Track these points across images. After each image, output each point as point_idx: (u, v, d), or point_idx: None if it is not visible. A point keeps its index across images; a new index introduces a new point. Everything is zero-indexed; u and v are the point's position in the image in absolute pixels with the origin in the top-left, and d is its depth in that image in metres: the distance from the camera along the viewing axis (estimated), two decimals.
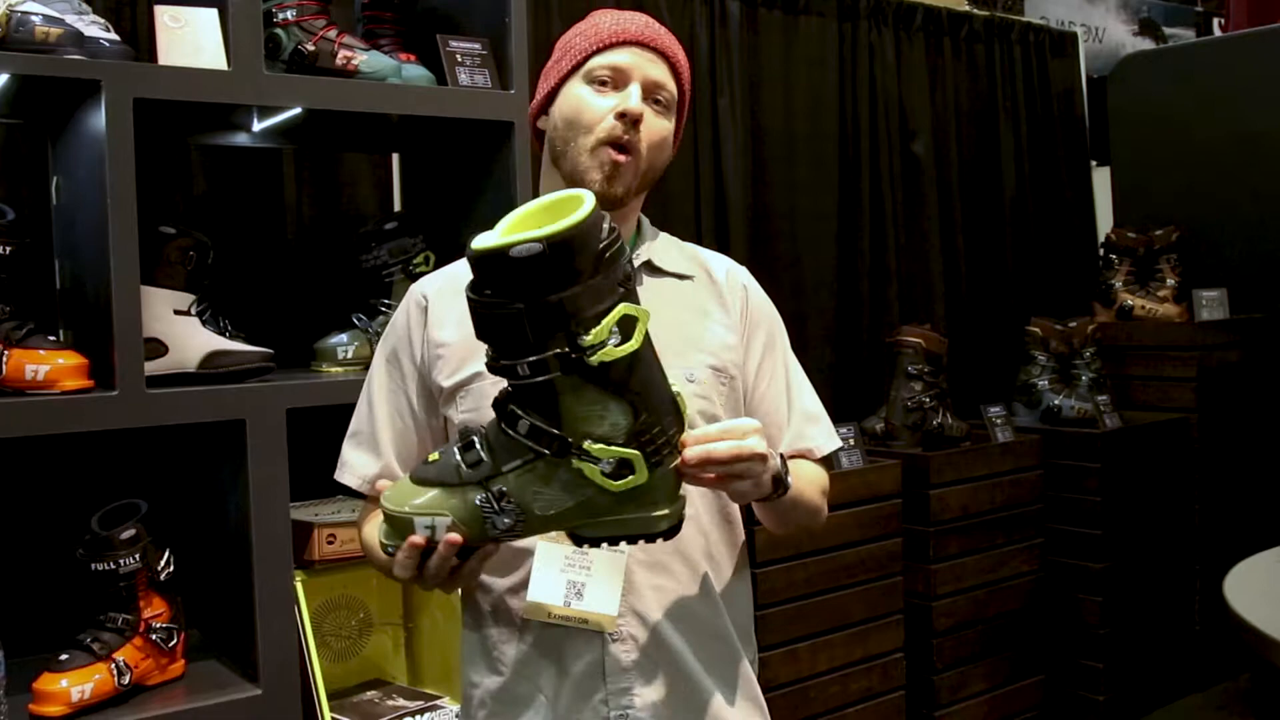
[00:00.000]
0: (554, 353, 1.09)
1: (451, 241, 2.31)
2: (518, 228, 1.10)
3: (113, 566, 1.89)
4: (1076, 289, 4.45)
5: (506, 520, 1.18)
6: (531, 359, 1.10)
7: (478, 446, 1.19)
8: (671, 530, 1.20)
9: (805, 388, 1.57)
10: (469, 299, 1.12)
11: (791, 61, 3.67)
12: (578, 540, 1.21)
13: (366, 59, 2.16)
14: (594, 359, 1.10)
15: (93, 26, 1.91)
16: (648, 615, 1.39)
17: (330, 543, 2.14)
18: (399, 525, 1.21)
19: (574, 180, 1.42)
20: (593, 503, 1.17)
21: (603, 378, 1.12)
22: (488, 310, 1.10)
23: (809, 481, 1.47)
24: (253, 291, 2.47)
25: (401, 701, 2.18)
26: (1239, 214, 4.35)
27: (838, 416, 1.62)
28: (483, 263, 1.09)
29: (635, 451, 1.14)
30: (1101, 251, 4.47)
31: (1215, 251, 4.36)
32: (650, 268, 1.49)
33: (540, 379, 1.11)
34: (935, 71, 4.06)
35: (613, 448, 1.13)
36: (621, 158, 1.40)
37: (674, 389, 1.20)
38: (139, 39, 2.26)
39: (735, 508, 1.49)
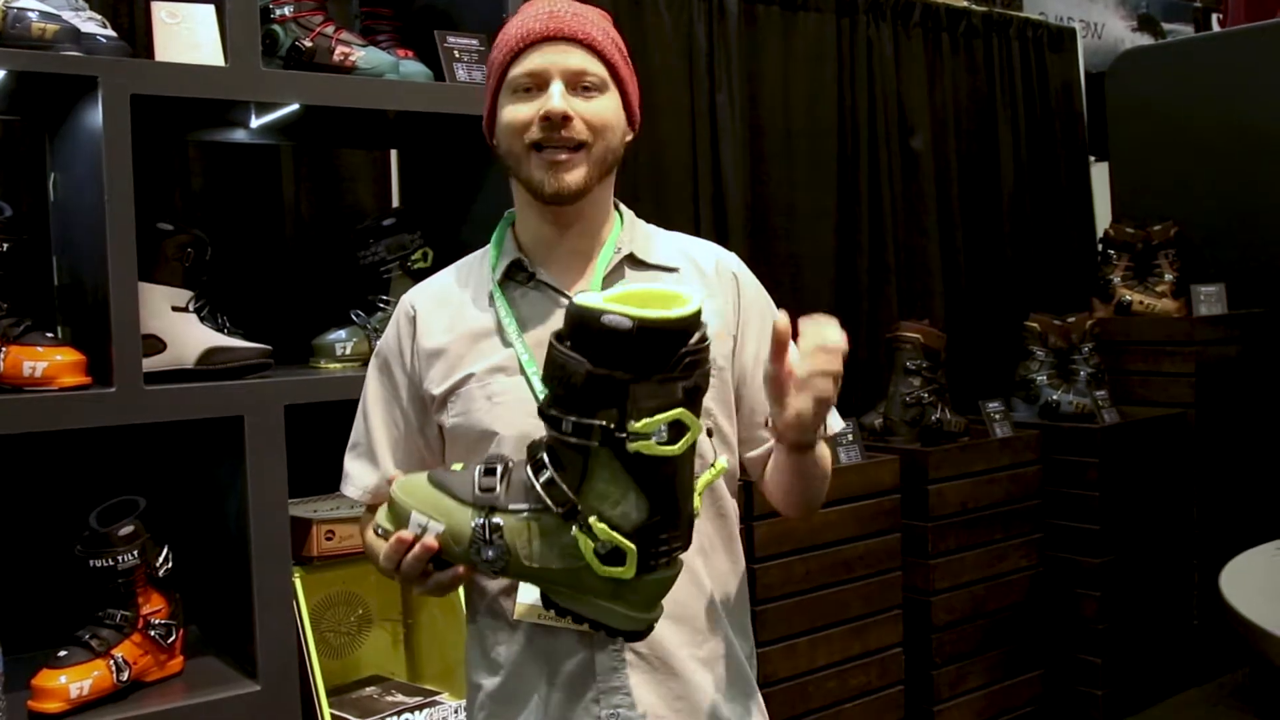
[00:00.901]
0: (600, 423, 1.13)
1: (449, 237, 2.30)
2: (624, 301, 1.13)
3: (111, 563, 1.89)
4: (1075, 284, 4.45)
5: (490, 554, 1.21)
6: (577, 420, 1.14)
7: (497, 475, 1.22)
8: (635, 635, 1.23)
9: None
10: (550, 342, 1.15)
11: (790, 58, 3.67)
12: (546, 602, 1.24)
13: (364, 55, 2.16)
14: (633, 446, 1.12)
15: (89, 23, 1.91)
16: None
17: (329, 539, 2.15)
18: (397, 514, 1.25)
19: (530, 189, 1.41)
20: (576, 576, 1.19)
21: (635, 467, 1.14)
22: (561, 359, 1.13)
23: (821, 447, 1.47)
24: (251, 288, 2.47)
25: (400, 697, 2.18)
26: (1237, 209, 4.35)
27: (837, 411, 1.61)
28: (576, 318, 1.13)
29: (632, 547, 1.15)
30: (1100, 247, 4.47)
31: (1213, 246, 4.36)
32: (633, 260, 1.48)
33: (578, 441, 1.14)
34: (934, 67, 4.06)
35: (614, 534, 1.15)
36: (561, 156, 1.38)
37: (694, 510, 1.22)
38: (136, 35, 2.27)
39: (729, 502, 1.48)
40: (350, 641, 2.32)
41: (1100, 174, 4.77)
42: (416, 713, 2.12)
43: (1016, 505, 3.60)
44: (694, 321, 1.14)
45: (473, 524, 1.21)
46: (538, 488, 1.18)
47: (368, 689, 2.24)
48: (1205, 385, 4.02)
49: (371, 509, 1.51)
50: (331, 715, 2.04)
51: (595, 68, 1.40)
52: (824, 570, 3.09)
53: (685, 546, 1.22)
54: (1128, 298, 4.25)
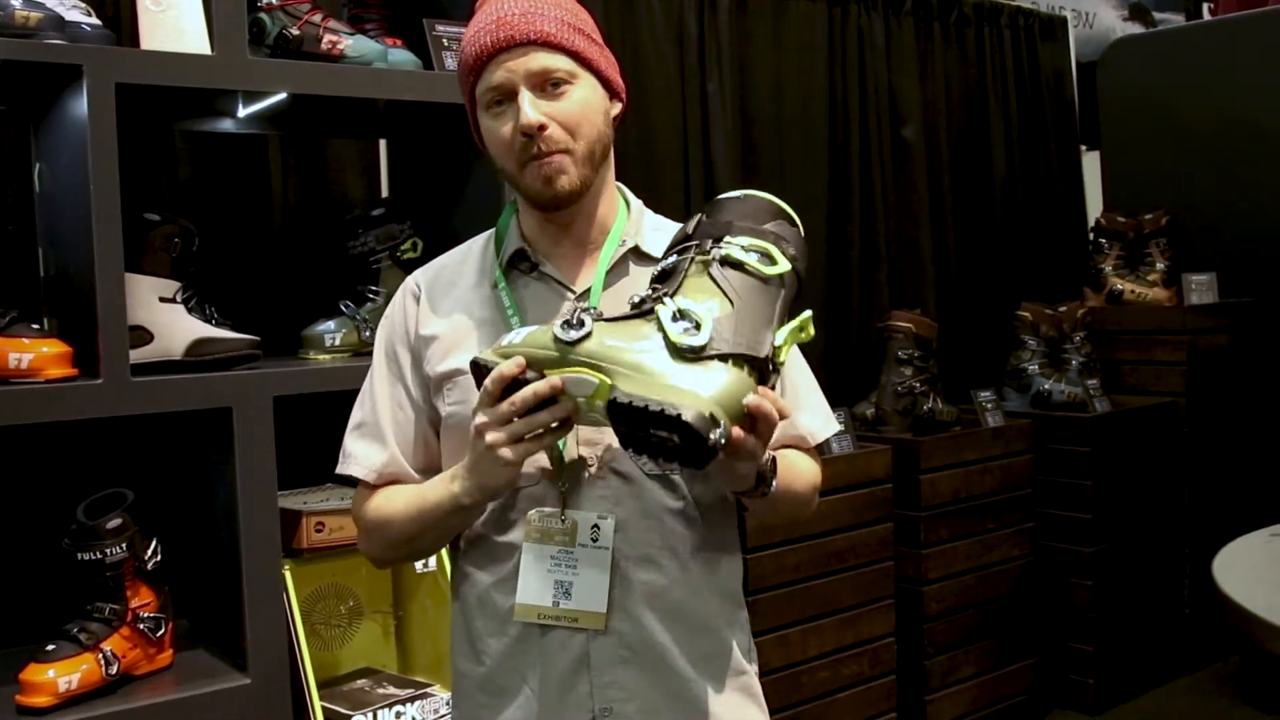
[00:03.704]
0: (698, 242, 1.27)
1: (439, 227, 2.29)
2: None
3: (99, 556, 1.88)
4: (1066, 273, 4.44)
5: (572, 330, 1.21)
6: (681, 247, 1.28)
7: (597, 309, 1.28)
8: (700, 428, 1.12)
9: (801, 370, 1.55)
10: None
11: (781, 47, 3.66)
12: (615, 405, 1.17)
13: (352, 43, 2.14)
14: (722, 252, 1.25)
15: (74, 11, 1.89)
16: (634, 611, 1.37)
17: (319, 531, 2.13)
18: (497, 341, 1.28)
19: (527, 196, 1.41)
20: (652, 360, 1.19)
21: (724, 278, 1.23)
22: (682, 231, 1.31)
23: (797, 475, 1.45)
24: (239, 279, 2.46)
25: (392, 690, 2.17)
26: (1228, 198, 4.35)
27: (828, 402, 1.60)
28: (710, 202, 1.34)
29: (708, 322, 1.19)
30: (1091, 236, 4.47)
31: (1205, 235, 4.36)
32: (638, 253, 1.46)
33: (676, 260, 1.26)
34: (925, 56, 4.05)
35: (693, 309, 1.20)
36: (551, 160, 1.36)
37: (775, 354, 1.24)
38: (121, 23, 2.25)
39: (727, 498, 1.47)
40: (341, 634, 2.31)
41: (1092, 163, 4.77)
42: (408, 705, 2.11)
43: (1008, 494, 3.60)
44: (793, 220, 1.31)
45: (563, 315, 1.24)
46: (632, 300, 1.25)
47: (359, 681, 2.23)
48: (1196, 374, 4.03)
49: (374, 487, 1.48)
50: (322, 708, 2.03)
51: (558, 63, 1.36)
52: (816, 560, 3.09)
53: (762, 378, 1.21)
54: (1119, 287, 4.25)
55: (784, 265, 1.25)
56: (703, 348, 1.17)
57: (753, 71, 3.59)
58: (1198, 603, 3.99)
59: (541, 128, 1.34)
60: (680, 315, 1.20)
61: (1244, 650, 3.81)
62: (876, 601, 3.23)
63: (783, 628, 3.01)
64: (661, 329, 1.19)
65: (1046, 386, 3.93)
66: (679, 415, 1.12)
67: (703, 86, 3.44)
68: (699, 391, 1.15)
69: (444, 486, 1.36)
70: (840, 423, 3.22)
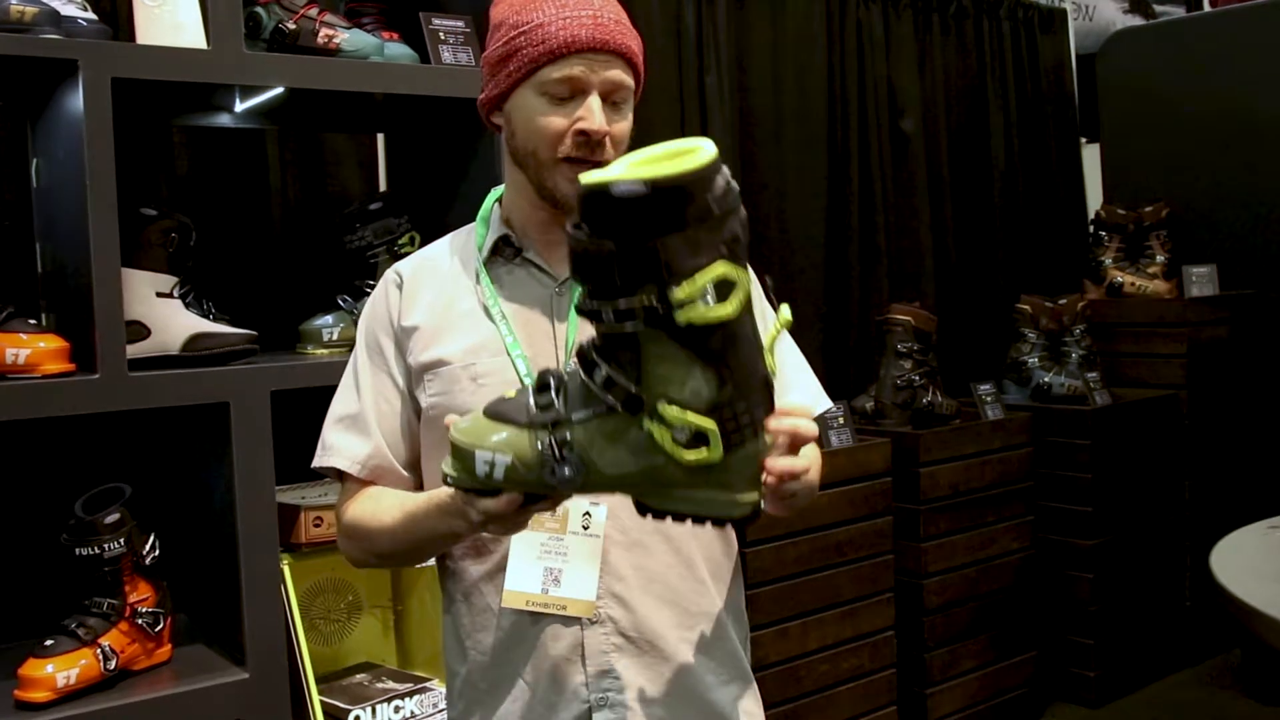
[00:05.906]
0: (642, 303, 1.03)
1: (436, 221, 2.29)
2: (635, 169, 1.02)
3: (97, 551, 1.88)
4: (1066, 266, 4.44)
5: (567, 471, 1.10)
6: (618, 306, 1.04)
7: (551, 389, 1.13)
8: (745, 520, 1.13)
9: (788, 349, 1.55)
10: (567, 233, 1.05)
11: (779, 40, 3.65)
12: (643, 510, 1.14)
13: (348, 37, 2.14)
14: (681, 316, 1.02)
15: (69, 5, 1.89)
16: (628, 597, 1.37)
17: (317, 525, 2.13)
18: (462, 457, 1.15)
19: (541, 189, 1.39)
20: (661, 472, 1.09)
21: (690, 339, 1.04)
22: (581, 247, 1.04)
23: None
24: (236, 273, 2.46)
25: (391, 684, 2.17)
26: (1229, 190, 4.34)
27: (828, 395, 1.59)
28: (585, 198, 1.03)
29: (712, 424, 1.06)
30: (1091, 228, 4.47)
31: (1205, 227, 4.35)
32: None
33: (624, 327, 1.05)
34: (924, 48, 4.05)
35: (688, 415, 1.05)
36: (591, 168, 1.36)
37: (769, 370, 1.12)
38: (117, 18, 2.24)
39: None
40: (340, 628, 2.31)
41: (1091, 155, 4.76)
42: (407, 699, 2.11)
43: (1008, 487, 3.59)
44: (712, 168, 1.03)
45: (539, 445, 1.11)
46: (595, 389, 1.09)
47: (358, 676, 2.23)
48: (1197, 366, 4.02)
49: (362, 482, 1.47)
50: (321, 703, 2.03)
51: (629, 80, 1.38)
52: (816, 554, 3.08)
53: (769, 411, 1.11)
54: (1119, 279, 4.24)
55: (744, 282, 1.05)
56: (719, 460, 1.07)
57: (751, 65, 3.58)
58: (1198, 595, 3.98)
59: (602, 135, 1.35)
60: (673, 421, 1.06)
61: (1245, 643, 3.81)
62: (876, 595, 3.23)
63: (782, 621, 3.01)
64: (660, 444, 1.07)
65: (1046, 379, 3.92)
66: (719, 520, 1.13)
67: (701, 80, 3.43)
68: (724, 495, 1.11)
69: (446, 520, 1.30)
70: (839, 416, 3.24)
